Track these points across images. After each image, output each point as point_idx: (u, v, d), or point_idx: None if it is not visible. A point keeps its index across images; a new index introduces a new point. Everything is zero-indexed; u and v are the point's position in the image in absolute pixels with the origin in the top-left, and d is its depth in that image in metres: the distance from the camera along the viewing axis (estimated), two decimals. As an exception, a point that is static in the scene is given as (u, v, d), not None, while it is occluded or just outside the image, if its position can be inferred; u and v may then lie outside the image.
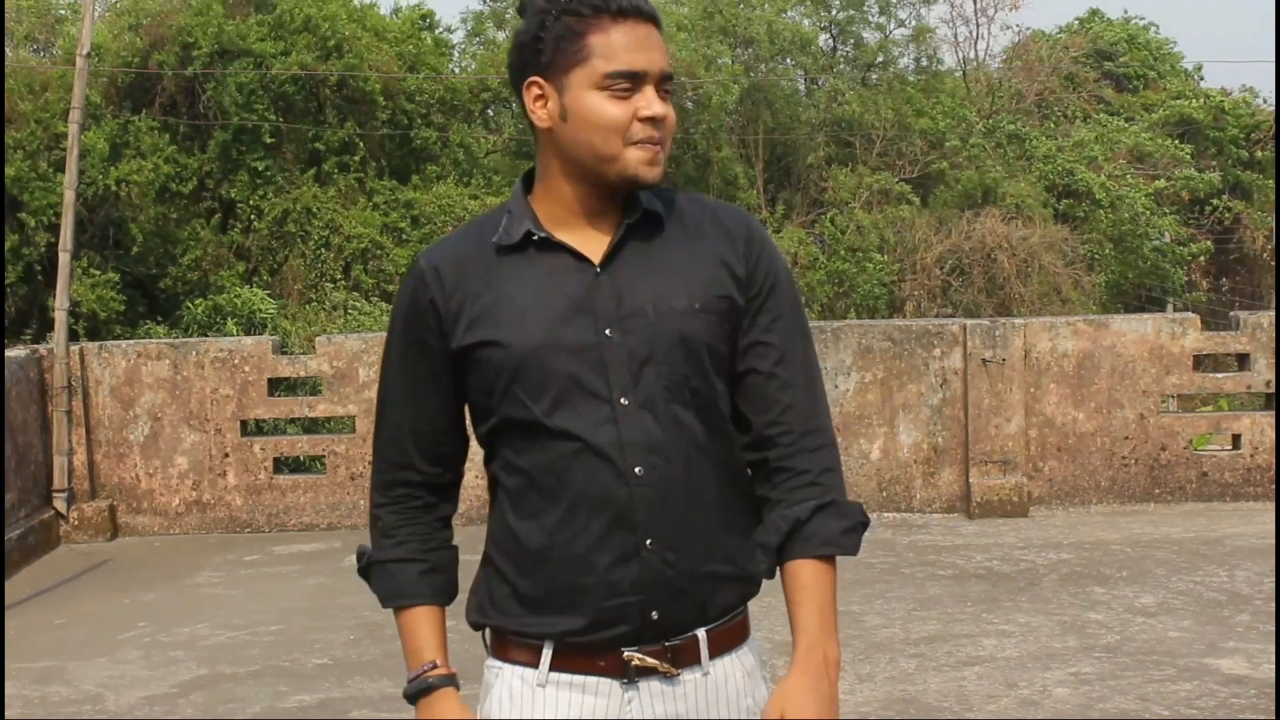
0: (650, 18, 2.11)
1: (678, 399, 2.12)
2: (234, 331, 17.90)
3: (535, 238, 2.14)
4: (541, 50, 2.09)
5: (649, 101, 2.07)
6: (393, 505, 2.29)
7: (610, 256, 2.14)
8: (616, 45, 2.06)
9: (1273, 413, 9.31)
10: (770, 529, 2.15)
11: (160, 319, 20.60)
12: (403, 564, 2.27)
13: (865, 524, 2.18)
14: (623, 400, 2.10)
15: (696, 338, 2.12)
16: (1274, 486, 9.20)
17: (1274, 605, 6.68)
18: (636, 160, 2.08)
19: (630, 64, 2.06)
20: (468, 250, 2.18)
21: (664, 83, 2.10)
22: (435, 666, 2.21)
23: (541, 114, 2.12)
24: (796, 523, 2.13)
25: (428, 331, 2.16)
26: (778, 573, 2.18)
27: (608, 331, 2.10)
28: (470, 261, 2.16)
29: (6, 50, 22.22)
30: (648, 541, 2.10)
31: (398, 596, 2.27)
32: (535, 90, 2.11)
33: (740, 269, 2.17)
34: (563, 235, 2.15)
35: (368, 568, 2.33)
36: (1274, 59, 45.27)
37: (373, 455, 2.31)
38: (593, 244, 2.15)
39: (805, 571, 2.13)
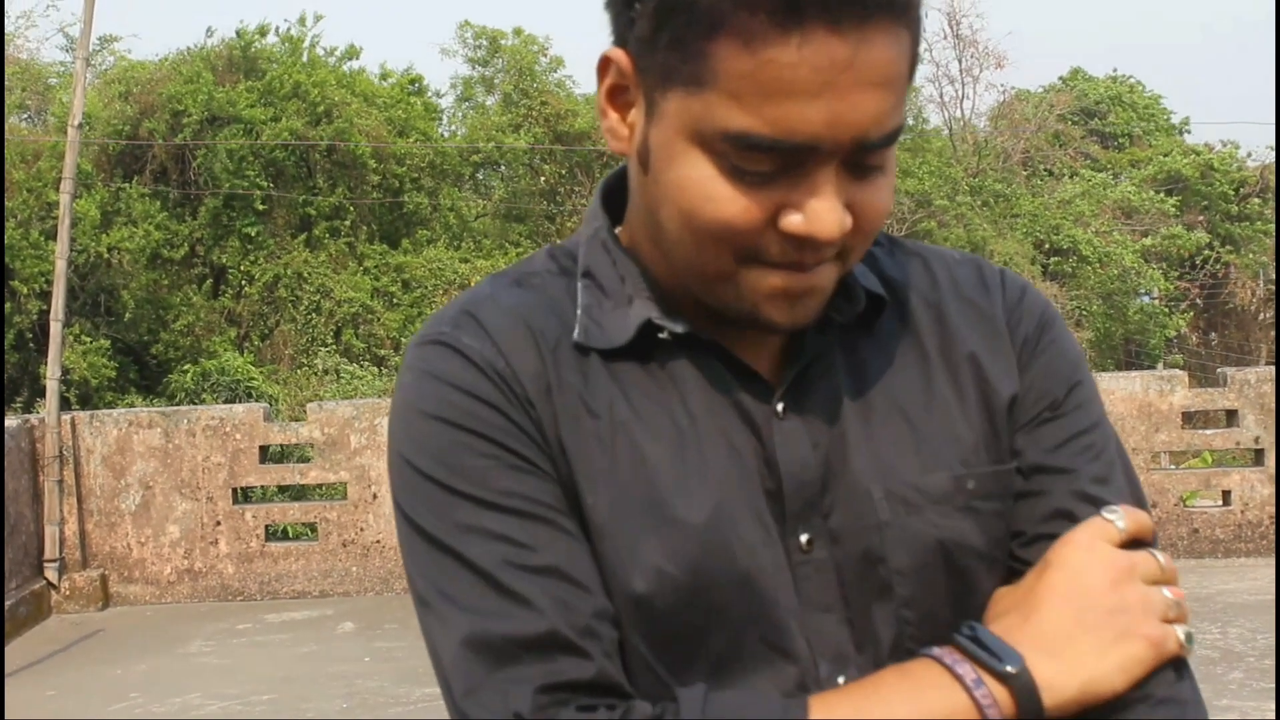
0: (877, 7, 1.00)
1: None
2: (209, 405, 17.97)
3: (664, 335, 1.18)
4: (634, 16, 1.08)
5: (809, 201, 1.05)
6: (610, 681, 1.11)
7: (798, 381, 1.19)
8: (769, 80, 1.00)
9: (1262, 469, 9.34)
10: None
11: (148, 387, 20.61)
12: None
13: None
14: (837, 676, 1.15)
15: (972, 550, 1.18)
16: (1265, 542, 9.22)
17: (1269, 662, 6.68)
18: (760, 293, 1.11)
19: (788, 128, 1.02)
20: (544, 329, 1.19)
21: (869, 153, 1.06)
22: None
23: (615, 123, 1.15)
24: None
25: (521, 441, 1.14)
26: None
27: (804, 539, 1.15)
28: (555, 352, 1.18)
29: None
30: None
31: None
32: (613, 75, 1.13)
33: (1010, 383, 1.23)
34: (702, 324, 1.19)
35: None
36: (1274, 105, 45.64)
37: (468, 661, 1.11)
38: (752, 345, 1.19)
39: None
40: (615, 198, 1.27)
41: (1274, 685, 6.25)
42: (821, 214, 1.05)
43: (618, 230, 1.25)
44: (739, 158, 1.04)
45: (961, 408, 1.21)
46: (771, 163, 1.04)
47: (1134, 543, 1.14)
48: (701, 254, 1.10)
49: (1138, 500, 1.19)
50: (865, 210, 1.08)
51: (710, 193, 1.06)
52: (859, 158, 1.06)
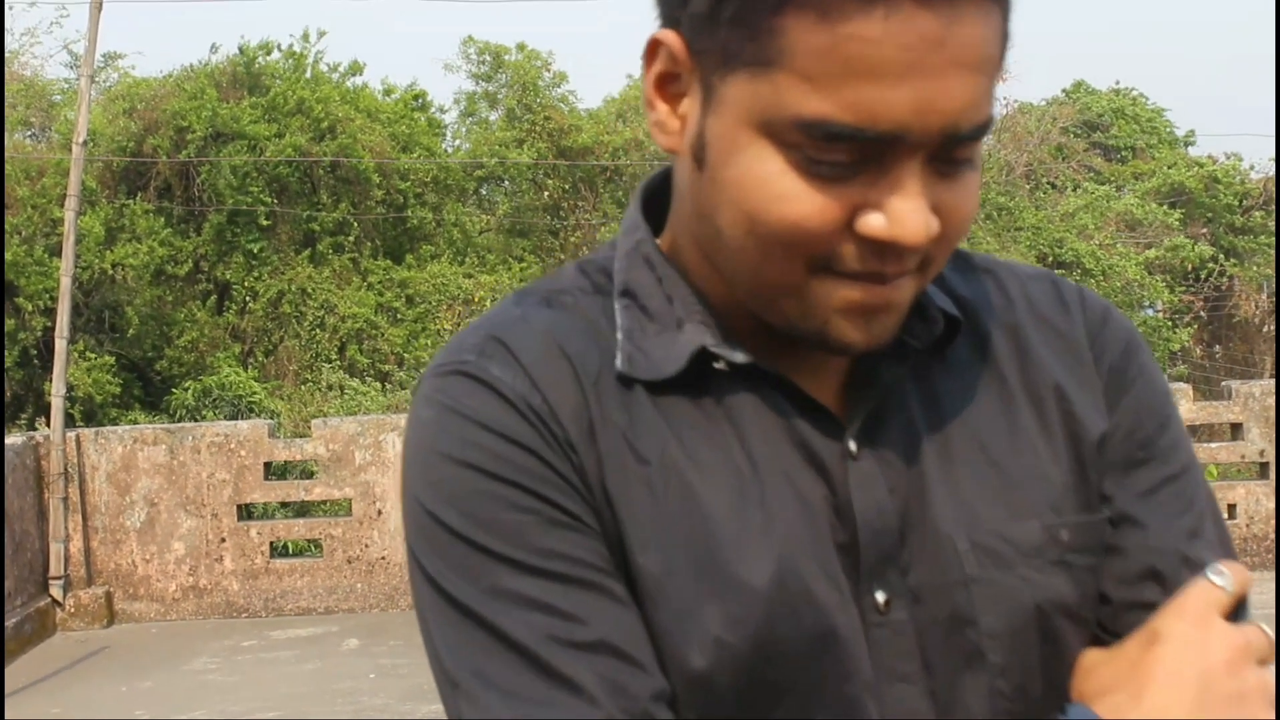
0: None
1: None
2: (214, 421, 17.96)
3: (720, 365, 1.03)
4: None
5: (891, 200, 0.92)
6: None
7: (873, 417, 1.04)
8: (850, 58, 0.88)
9: (1267, 482, 9.33)
10: None
11: (153, 404, 20.64)
12: None
13: None
14: None
15: (1067, 611, 1.04)
16: (1270, 556, 9.21)
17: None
18: (832, 308, 0.96)
19: (870, 114, 0.89)
20: (583, 357, 1.03)
21: (958, 147, 0.93)
22: None
23: (664, 115, 1.00)
24: None
25: (563, 491, 0.99)
26: None
27: (880, 598, 1.01)
28: (596, 384, 1.03)
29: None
30: None
31: None
32: (663, 60, 0.99)
33: (1099, 419, 1.09)
34: (759, 350, 1.04)
35: None
36: (1274, 118, 45.73)
37: None
38: (814, 374, 1.05)
39: None
40: (655, 204, 1.11)
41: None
42: (906, 216, 0.91)
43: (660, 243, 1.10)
44: (814, 149, 0.90)
45: (1049, 446, 1.06)
46: (850, 154, 0.90)
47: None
48: (766, 262, 0.95)
49: (1228, 551, 1.08)
50: (952, 214, 0.95)
51: (779, 190, 0.92)
52: (947, 151, 0.93)
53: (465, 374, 1.01)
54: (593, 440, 1.00)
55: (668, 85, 0.99)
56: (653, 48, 0.98)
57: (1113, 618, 1.05)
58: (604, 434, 1.00)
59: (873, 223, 0.92)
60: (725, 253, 0.99)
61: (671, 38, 0.97)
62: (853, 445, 1.02)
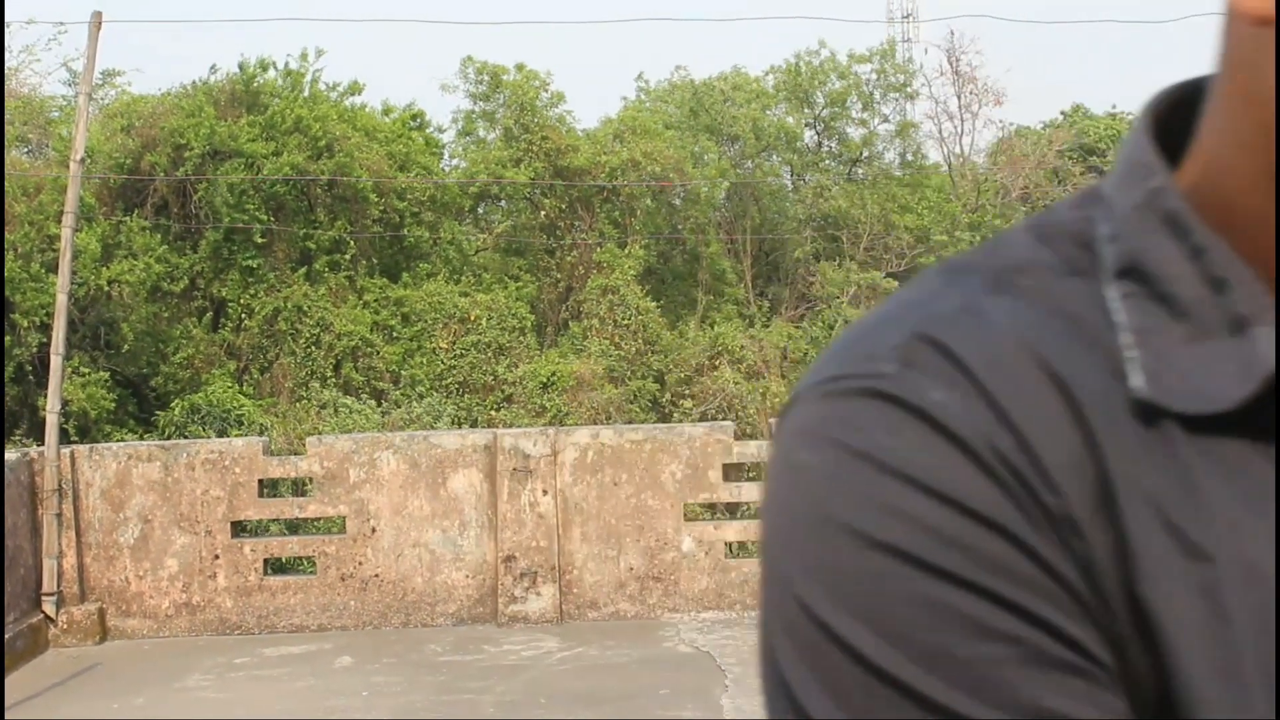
0: None
1: None
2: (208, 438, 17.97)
3: None
4: None
5: None
6: None
7: None
8: None
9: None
10: None
11: (147, 420, 20.64)
12: None
13: None
14: None
15: None
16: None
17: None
18: None
19: None
20: (1076, 374, 0.61)
21: None
22: None
23: None
24: None
25: (1060, 604, 0.58)
26: None
27: None
28: (1109, 421, 0.61)
29: None
30: None
31: None
32: None
33: None
34: None
35: None
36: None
37: None
38: None
39: None
40: (1162, 122, 0.71)
41: None
42: None
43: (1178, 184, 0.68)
44: None
45: None
46: None
47: None
48: None
49: None
50: None
51: None
52: None
53: (883, 395, 0.62)
54: (1108, 513, 0.60)
55: None
56: None
57: None
58: (1127, 503, 0.60)
59: None
60: None
61: None
62: None
